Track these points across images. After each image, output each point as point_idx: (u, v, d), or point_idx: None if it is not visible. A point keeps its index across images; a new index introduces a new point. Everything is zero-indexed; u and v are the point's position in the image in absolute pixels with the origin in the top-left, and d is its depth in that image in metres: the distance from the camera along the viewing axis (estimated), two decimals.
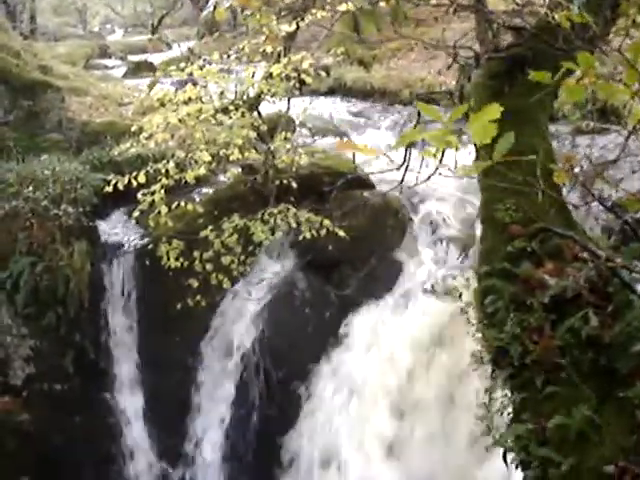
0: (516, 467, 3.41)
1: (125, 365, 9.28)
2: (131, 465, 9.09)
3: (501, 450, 3.44)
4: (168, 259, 8.44)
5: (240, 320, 8.88)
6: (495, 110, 2.20)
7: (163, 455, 9.06)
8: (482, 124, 2.19)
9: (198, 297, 8.50)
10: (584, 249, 4.06)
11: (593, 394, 3.32)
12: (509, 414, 3.58)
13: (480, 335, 3.90)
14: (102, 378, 9.22)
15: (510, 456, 3.42)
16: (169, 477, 9.01)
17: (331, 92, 16.07)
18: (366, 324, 8.48)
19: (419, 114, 5.06)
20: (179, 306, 8.52)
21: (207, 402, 8.89)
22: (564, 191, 4.62)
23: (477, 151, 4.65)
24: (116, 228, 9.81)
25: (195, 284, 8.43)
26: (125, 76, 19.59)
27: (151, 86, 13.07)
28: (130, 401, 9.22)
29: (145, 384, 9.21)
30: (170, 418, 9.02)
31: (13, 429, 8.67)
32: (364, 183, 9.38)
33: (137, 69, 20.34)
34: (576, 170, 4.64)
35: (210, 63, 8.81)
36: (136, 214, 8.66)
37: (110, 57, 25.81)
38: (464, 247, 8.40)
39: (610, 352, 3.49)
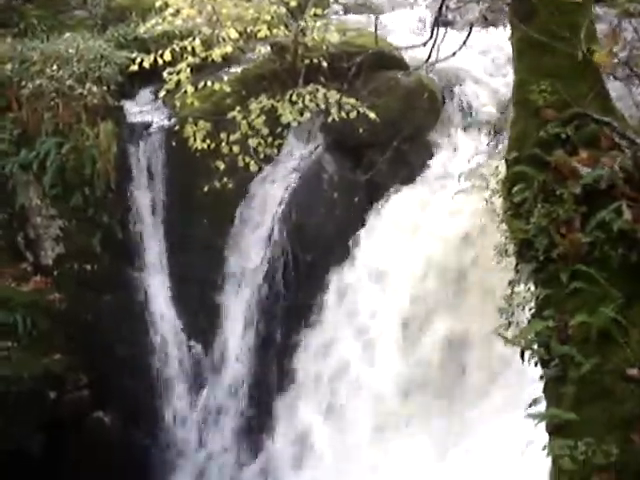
0: (535, 364, 3.32)
1: (152, 245, 9.30)
2: (161, 344, 9.24)
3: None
4: (194, 140, 8.33)
5: (267, 203, 8.77)
6: None
7: (191, 334, 9.18)
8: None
9: (225, 179, 8.43)
10: (622, 136, 3.81)
11: (620, 293, 3.16)
12: (531, 309, 3.46)
13: (505, 226, 3.73)
14: (130, 258, 9.28)
15: (528, 353, 3.31)
16: (197, 355, 9.15)
17: None
18: (395, 209, 8.33)
19: None
20: (206, 188, 8.48)
21: (234, 285, 8.91)
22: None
23: (512, 29, 4.35)
24: (142, 108, 9.62)
25: (222, 166, 8.36)
26: None
27: None
28: (158, 280, 9.29)
29: (172, 264, 9.26)
30: (197, 298, 9.10)
31: (45, 308, 8.83)
32: (397, 63, 9.00)
33: None
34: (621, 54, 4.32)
35: None
36: (162, 94, 8.51)
37: None
38: (498, 132, 8.09)
39: None
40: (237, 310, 8.86)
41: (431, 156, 8.69)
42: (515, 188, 3.71)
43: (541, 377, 3.28)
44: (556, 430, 3.02)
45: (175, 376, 9.16)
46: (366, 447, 7.76)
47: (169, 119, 9.24)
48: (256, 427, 8.70)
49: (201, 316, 9.11)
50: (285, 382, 8.52)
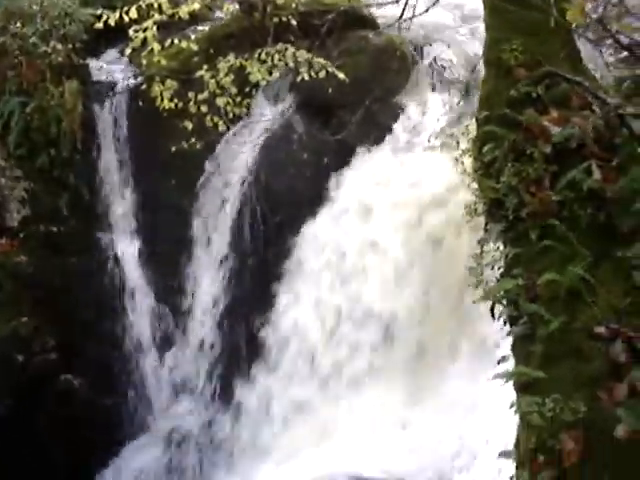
0: (504, 322, 3.33)
1: (120, 207, 9.20)
2: (130, 305, 9.18)
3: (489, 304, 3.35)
4: (162, 100, 8.17)
5: (235, 164, 8.70)
6: None
7: (160, 295, 9.14)
8: None
9: (193, 140, 8.32)
10: (592, 96, 3.80)
11: (589, 252, 3.17)
12: (500, 268, 3.46)
13: (475, 185, 3.71)
14: (97, 220, 9.18)
15: (498, 310, 3.32)
16: (166, 316, 9.12)
17: None
18: (364, 170, 8.30)
19: None
20: (174, 148, 8.37)
21: (203, 246, 8.86)
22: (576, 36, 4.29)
23: None
24: (108, 67, 9.45)
25: (190, 126, 8.22)
26: None
27: None
28: (126, 242, 9.21)
29: (141, 226, 9.18)
30: (167, 260, 9.04)
31: (11, 271, 8.69)
32: (368, 23, 8.90)
33: None
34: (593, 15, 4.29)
35: None
36: (128, 52, 8.31)
37: None
38: (468, 92, 8.05)
39: (611, 208, 3.31)
40: (206, 271, 8.82)
41: (401, 117, 8.63)
42: (485, 147, 3.69)
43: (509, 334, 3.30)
44: (524, 388, 3.04)
45: (144, 337, 9.12)
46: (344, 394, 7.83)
47: (135, 78, 9.11)
48: (226, 386, 8.71)
49: (169, 277, 9.06)
50: (256, 340, 8.51)
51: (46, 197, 9.01)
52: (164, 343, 9.11)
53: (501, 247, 3.50)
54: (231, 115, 8.13)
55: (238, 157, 8.69)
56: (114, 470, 8.71)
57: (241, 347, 8.63)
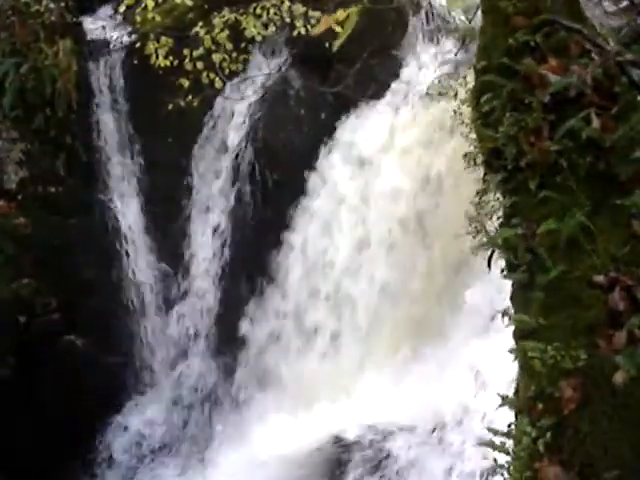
0: (501, 271, 3.33)
1: (118, 166, 9.17)
2: (130, 264, 9.19)
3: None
4: (157, 57, 8.13)
5: (233, 120, 8.64)
6: None
7: (160, 254, 9.15)
8: None
9: (189, 97, 8.27)
10: (592, 44, 3.74)
11: (588, 200, 3.15)
12: (499, 218, 3.45)
13: (474, 136, 3.68)
14: (95, 180, 9.15)
15: (496, 259, 3.32)
16: (167, 275, 9.14)
17: None
18: (362, 124, 8.24)
19: None
20: (170, 106, 8.31)
21: (202, 204, 8.84)
22: None
23: None
24: (102, 25, 9.33)
25: (186, 84, 8.18)
26: None
27: None
28: (124, 201, 9.19)
29: (139, 185, 9.16)
30: (166, 219, 9.04)
31: (11, 233, 8.69)
32: None
33: None
34: None
35: None
36: (122, 9, 8.26)
37: None
38: (466, 42, 7.96)
39: (610, 157, 3.28)
40: (206, 230, 8.83)
41: (399, 70, 8.55)
42: (484, 97, 3.64)
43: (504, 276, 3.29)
44: (524, 335, 3.05)
45: (145, 297, 9.16)
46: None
47: (130, 35, 9.01)
48: (228, 342, 8.77)
49: (169, 236, 9.07)
50: (256, 297, 8.54)
51: (43, 158, 8.97)
52: (165, 301, 9.15)
53: (500, 197, 3.49)
54: (227, 71, 8.08)
55: (235, 114, 8.63)
56: (118, 427, 8.81)
57: (241, 304, 8.65)
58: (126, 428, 8.83)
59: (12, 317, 8.53)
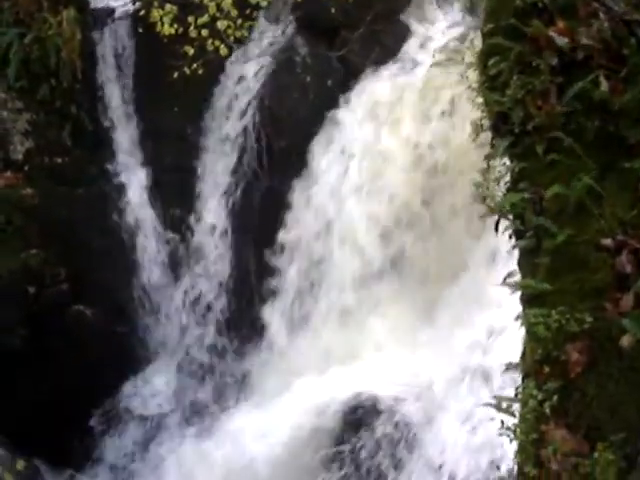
0: (509, 237, 3.33)
1: (124, 136, 9.15)
2: (138, 234, 9.20)
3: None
4: (162, 25, 8.11)
5: (239, 88, 8.58)
6: None
7: (167, 224, 9.15)
8: None
9: (194, 65, 8.24)
10: (600, 4, 3.69)
11: (596, 164, 3.12)
12: (506, 183, 3.43)
13: (481, 100, 3.65)
14: (102, 150, 9.13)
15: (503, 225, 3.30)
16: (175, 245, 9.15)
17: None
18: (369, 91, 8.18)
19: None
20: (175, 75, 8.28)
21: (208, 173, 8.83)
22: None
23: None
24: None
25: (191, 51, 8.16)
26: None
27: None
28: (131, 171, 9.18)
29: (145, 154, 9.13)
30: (173, 188, 9.03)
31: (18, 204, 8.70)
32: None
33: None
34: None
35: None
36: None
37: None
38: (472, 6, 7.86)
39: (619, 120, 3.25)
40: (213, 198, 8.82)
41: (406, 35, 8.46)
42: (491, 60, 3.61)
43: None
44: (530, 300, 3.05)
45: (153, 267, 9.18)
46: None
47: (134, 3, 8.93)
48: (238, 310, 8.81)
49: (176, 205, 9.06)
50: (266, 266, 8.55)
51: (49, 129, 8.96)
52: (173, 271, 9.17)
53: (507, 162, 3.46)
54: (232, 39, 8.04)
55: (241, 82, 8.57)
56: (128, 397, 8.88)
57: (250, 272, 8.67)
58: (136, 396, 8.90)
59: (21, 288, 8.58)
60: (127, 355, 9.02)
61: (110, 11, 9.04)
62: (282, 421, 7.06)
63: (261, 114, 8.42)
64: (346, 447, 6.66)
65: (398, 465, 6.38)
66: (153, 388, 8.94)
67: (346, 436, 6.75)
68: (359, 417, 6.75)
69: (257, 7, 8.16)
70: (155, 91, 8.83)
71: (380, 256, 7.81)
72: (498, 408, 2.99)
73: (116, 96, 9.05)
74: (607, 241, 2.96)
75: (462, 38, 6.96)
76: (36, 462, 7.76)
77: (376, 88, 8.10)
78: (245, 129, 8.49)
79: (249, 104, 8.47)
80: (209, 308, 8.95)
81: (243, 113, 8.50)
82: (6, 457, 6.84)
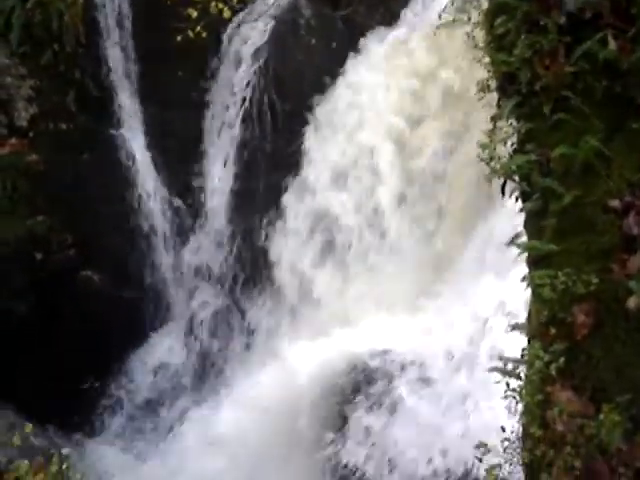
0: (516, 199, 3.29)
1: (128, 100, 9.10)
2: (144, 200, 9.20)
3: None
4: None
5: (242, 51, 8.51)
6: None
7: (172, 188, 9.13)
8: None
9: (198, 28, 8.15)
10: None
11: (603, 125, 3.08)
12: (512, 144, 3.39)
13: (487, 60, 3.59)
14: (106, 115, 9.08)
15: (509, 187, 3.27)
16: (180, 209, 9.15)
17: None
18: (375, 47, 8.10)
19: None
20: (179, 38, 8.20)
21: (213, 137, 8.79)
22: None
23: None
24: None
25: (194, 14, 8.06)
26: None
27: None
28: (136, 136, 9.15)
29: (150, 119, 9.09)
30: (178, 153, 9.00)
31: (24, 171, 8.69)
32: None
33: None
34: None
35: None
36: None
37: None
38: None
39: (627, 80, 3.20)
40: (217, 162, 8.79)
41: None
42: (497, 19, 3.55)
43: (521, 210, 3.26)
44: (536, 262, 3.03)
45: (159, 231, 9.18)
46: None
47: None
48: (243, 274, 8.82)
49: (181, 170, 9.04)
50: (272, 224, 8.55)
51: (53, 94, 8.91)
52: (180, 236, 9.18)
53: (514, 123, 3.42)
54: (235, 1, 7.94)
55: (245, 45, 8.49)
56: (137, 360, 8.94)
57: (255, 236, 8.67)
58: (145, 360, 8.96)
59: (28, 254, 8.61)
60: (135, 320, 9.07)
61: None
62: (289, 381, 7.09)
63: (265, 77, 8.35)
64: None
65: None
66: (162, 351, 9.00)
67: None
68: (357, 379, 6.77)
69: None
70: (159, 55, 8.76)
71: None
72: (501, 372, 2.98)
73: (120, 60, 8.99)
74: (614, 202, 2.93)
75: None
76: (45, 427, 7.85)
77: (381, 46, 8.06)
78: (249, 92, 8.43)
79: (253, 67, 8.40)
80: (215, 271, 8.96)
81: (247, 76, 8.43)
82: (15, 421, 6.91)
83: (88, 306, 8.81)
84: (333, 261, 8.20)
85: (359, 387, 6.59)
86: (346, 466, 6.35)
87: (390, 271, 7.90)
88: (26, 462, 3.48)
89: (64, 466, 3.39)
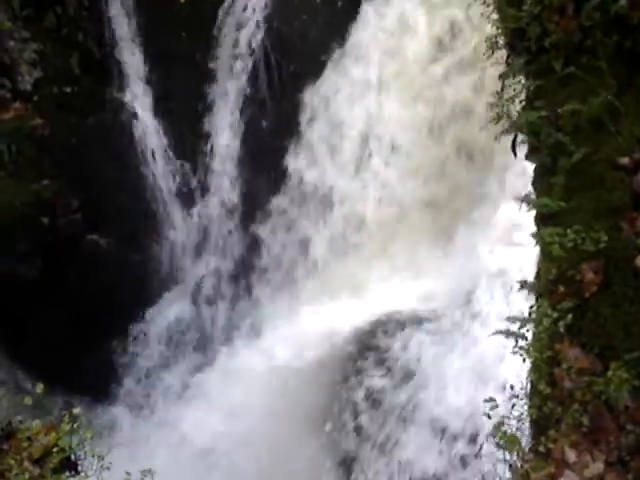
0: (525, 157, 3.26)
1: (132, 63, 9.02)
2: (150, 162, 9.15)
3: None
4: None
5: (247, 12, 8.41)
6: None
7: (179, 152, 9.08)
8: None
9: None
10: None
11: (614, 80, 3.03)
12: (521, 102, 3.34)
13: (497, 16, 3.53)
14: (110, 77, 9.01)
15: (519, 141, 3.23)
16: (186, 172, 9.11)
17: None
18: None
19: None
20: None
21: (218, 99, 8.72)
22: None
23: None
24: None
25: None
26: None
27: None
28: (141, 99, 9.08)
29: (154, 81, 9.02)
30: (183, 114, 8.93)
31: (29, 135, 8.62)
32: None
33: None
34: None
35: None
36: None
37: None
38: None
39: (637, 35, 3.14)
40: (223, 126, 8.73)
41: None
42: None
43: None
44: (545, 219, 3.00)
45: (166, 194, 9.16)
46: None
47: None
48: (249, 240, 8.82)
49: (185, 133, 8.99)
50: (277, 187, 8.53)
51: (56, 58, 8.84)
52: (186, 199, 9.16)
53: (523, 80, 3.37)
54: None
55: (249, 5, 8.38)
56: (145, 323, 8.98)
57: (262, 199, 8.64)
58: (153, 323, 8.99)
59: (35, 219, 8.59)
60: (142, 283, 9.09)
61: None
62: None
63: (270, 38, 8.26)
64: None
65: None
66: (169, 315, 9.03)
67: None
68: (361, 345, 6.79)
69: None
70: (162, 16, 8.67)
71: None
72: (507, 333, 2.96)
73: (123, 23, 8.90)
74: (624, 160, 2.88)
75: None
76: (56, 387, 7.91)
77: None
78: (254, 53, 8.36)
79: (258, 27, 8.31)
80: (220, 234, 8.95)
81: (252, 37, 8.35)
82: (26, 381, 6.95)
83: (95, 269, 8.82)
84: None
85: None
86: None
87: None
88: (37, 422, 3.51)
89: (75, 425, 3.41)
